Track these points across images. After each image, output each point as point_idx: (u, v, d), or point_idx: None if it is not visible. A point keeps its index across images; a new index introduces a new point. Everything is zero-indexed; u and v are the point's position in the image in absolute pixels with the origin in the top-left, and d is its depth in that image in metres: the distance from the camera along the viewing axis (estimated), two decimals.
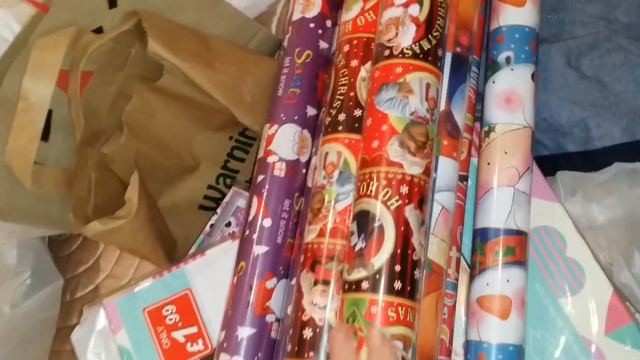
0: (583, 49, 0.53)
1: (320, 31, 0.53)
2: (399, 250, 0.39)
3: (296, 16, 0.53)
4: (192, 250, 0.58)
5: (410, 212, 0.40)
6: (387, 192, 0.41)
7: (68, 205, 0.52)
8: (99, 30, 0.51)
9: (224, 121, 0.58)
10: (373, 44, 0.48)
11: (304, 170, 0.50)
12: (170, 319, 0.51)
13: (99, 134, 0.53)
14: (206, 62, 0.52)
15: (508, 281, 0.45)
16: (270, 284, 0.47)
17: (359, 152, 0.44)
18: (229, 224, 0.60)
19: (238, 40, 0.58)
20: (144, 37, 0.50)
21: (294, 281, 0.46)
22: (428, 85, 0.43)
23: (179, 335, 0.51)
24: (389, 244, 0.40)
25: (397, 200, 0.41)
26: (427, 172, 0.42)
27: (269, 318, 0.46)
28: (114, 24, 0.51)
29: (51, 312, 0.67)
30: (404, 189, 0.41)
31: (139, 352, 0.51)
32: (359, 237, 0.41)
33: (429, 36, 0.44)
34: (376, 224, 0.40)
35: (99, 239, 0.51)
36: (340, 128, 0.47)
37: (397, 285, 0.39)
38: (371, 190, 0.41)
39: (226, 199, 0.59)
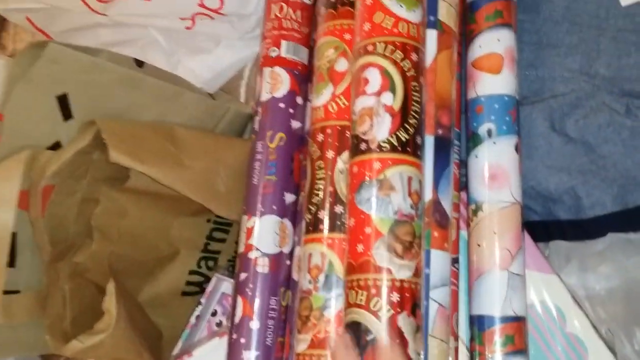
0: (566, 108, 0.50)
1: (291, 110, 0.50)
2: None
3: (264, 97, 0.50)
4: (177, 349, 0.54)
5: (403, 321, 0.37)
6: (377, 301, 0.38)
7: (42, 327, 0.48)
8: (56, 145, 0.48)
9: (200, 207, 0.53)
10: (347, 132, 0.44)
11: (287, 262, 0.48)
12: None
13: (69, 246, 0.50)
14: (174, 160, 0.49)
15: None
16: None
17: (345, 253, 0.41)
18: (214, 313, 0.56)
19: (207, 124, 0.55)
20: (105, 146, 0.46)
21: None
22: (410, 179, 0.40)
23: None
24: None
25: (388, 310, 0.37)
26: (417, 273, 0.39)
27: None
28: (71, 135, 0.48)
29: None
30: (395, 297, 0.38)
31: None
32: (354, 349, 0.38)
33: (406, 125, 0.40)
34: (369, 337, 0.37)
35: (80, 357, 0.48)
36: (321, 227, 0.44)
37: None
38: (361, 300, 0.38)
39: (209, 288, 0.56)
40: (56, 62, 0.44)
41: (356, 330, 0.38)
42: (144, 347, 0.51)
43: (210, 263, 0.60)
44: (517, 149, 0.46)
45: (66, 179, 0.47)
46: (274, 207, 0.47)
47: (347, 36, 0.47)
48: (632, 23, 0.50)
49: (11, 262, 0.45)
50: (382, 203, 0.39)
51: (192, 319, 0.55)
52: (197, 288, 0.59)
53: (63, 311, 0.49)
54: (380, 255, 0.38)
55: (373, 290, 0.38)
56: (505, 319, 0.43)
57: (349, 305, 0.39)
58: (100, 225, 0.52)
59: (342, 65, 0.47)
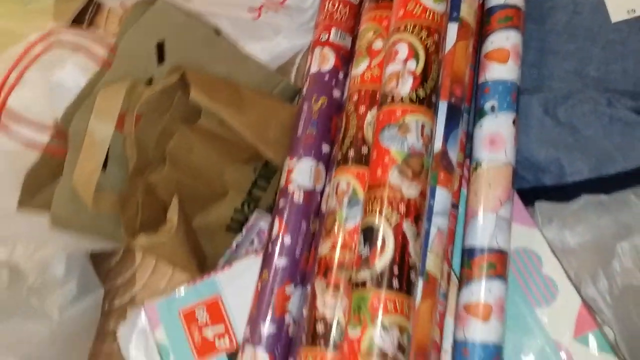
0: (559, 99, 0.58)
1: (333, 82, 0.60)
2: (397, 257, 0.45)
3: (313, 70, 0.60)
4: (220, 263, 0.63)
5: (407, 226, 0.47)
6: (389, 210, 0.47)
7: (119, 223, 0.58)
8: (149, 82, 0.57)
9: (250, 155, 0.63)
10: (377, 93, 0.54)
11: (318, 198, 0.56)
12: (202, 320, 0.57)
13: (147, 165, 0.59)
14: (237, 107, 0.58)
15: (490, 291, 0.50)
16: (288, 290, 0.52)
17: (365, 180, 0.51)
18: (252, 243, 0.65)
19: (263, 89, 0.64)
20: (187, 87, 0.56)
21: (309, 288, 0.52)
22: (423, 126, 0.49)
23: (208, 333, 0.56)
24: (389, 251, 0.46)
25: (396, 217, 0.47)
26: (422, 195, 0.48)
27: (287, 319, 0.52)
28: (162, 76, 0.57)
29: (93, 317, 0.72)
30: (402, 208, 0.47)
31: (174, 347, 0.56)
32: (364, 246, 0.47)
33: (424, 85, 0.50)
34: (379, 236, 0.46)
35: (144, 251, 0.57)
36: (349, 162, 0.53)
37: (395, 284, 0.45)
38: (375, 209, 0.47)
39: (250, 222, 0.64)
40: (160, 15, 0.54)
41: (369, 232, 0.47)
42: (193, 259, 0.60)
43: (252, 206, 0.67)
44: (514, 122, 0.54)
45: (152, 111, 0.56)
46: (312, 152, 0.57)
47: (384, 23, 0.57)
48: (619, 36, 0.59)
49: (104, 167, 0.54)
50: (400, 141, 0.49)
51: (233, 245, 0.64)
52: (239, 226, 0.67)
53: (136, 216, 0.58)
54: (394, 177, 0.48)
55: (386, 202, 0.47)
56: (491, 250, 0.51)
57: (365, 214, 0.48)
58: (172, 155, 0.60)
59: (378, 44, 0.57)
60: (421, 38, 0.52)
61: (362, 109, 0.55)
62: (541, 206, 0.58)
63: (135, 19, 0.56)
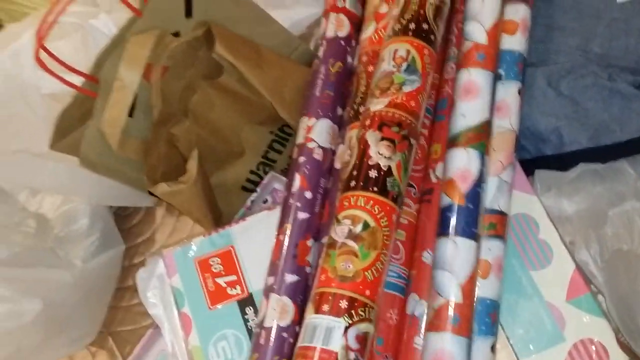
0: (562, 72, 0.60)
1: (348, 48, 0.62)
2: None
3: (330, 34, 0.62)
4: (235, 218, 0.66)
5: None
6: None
7: (142, 170, 0.60)
8: (176, 34, 0.59)
9: (267, 117, 0.65)
10: None
11: (333, 156, 0.59)
12: (216, 268, 0.59)
13: (170, 117, 0.61)
14: (257, 65, 0.60)
15: (489, 249, 0.52)
16: (309, 242, 0.55)
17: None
18: (265, 201, 0.67)
19: (282, 51, 0.66)
20: (211, 42, 0.58)
21: (323, 240, 0.53)
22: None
23: (221, 281, 0.59)
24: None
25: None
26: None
27: (307, 269, 0.55)
28: (189, 30, 0.59)
29: (113, 271, 0.75)
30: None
31: (189, 293, 0.59)
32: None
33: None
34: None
35: (164, 198, 0.59)
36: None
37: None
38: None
39: (265, 181, 0.67)
40: None
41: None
42: (210, 212, 0.63)
43: (267, 169, 0.70)
44: (519, 92, 0.57)
45: (178, 64, 0.59)
46: (329, 114, 0.59)
47: None
48: (624, 15, 0.61)
49: (130, 113, 0.56)
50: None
51: (247, 202, 0.66)
52: (253, 186, 0.69)
53: (157, 164, 0.61)
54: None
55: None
56: (492, 211, 0.53)
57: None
58: (194, 110, 0.63)
59: (383, 8, 0.60)
60: None
61: (370, 68, 0.57)
62: (540, 175, 0.60)
63: None
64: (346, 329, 0.45)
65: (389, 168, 0.49)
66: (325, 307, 0.46)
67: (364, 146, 0.49)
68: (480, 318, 0.50)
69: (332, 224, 0.49)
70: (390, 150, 0.49)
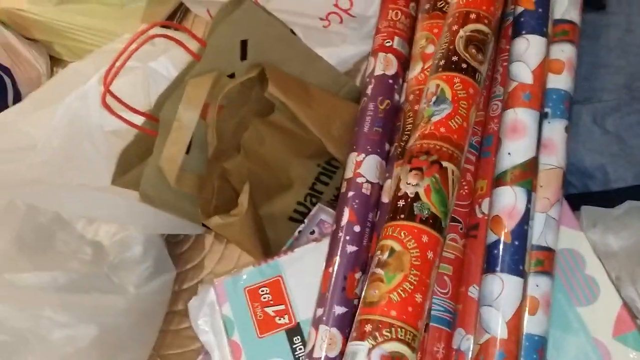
0: (607, 110, 0.61)
1: (396, 87, 0.64)
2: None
3: (378, 72, 0.64)
4: (283, 249, 0.67)
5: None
6: None
7: (196, 204, 0.62)
8: (232, 76, 0.62)
9: (315, 151, 0.67)
10: None
11: (380, 191, 0.60)
12: (264, 298, 0.60)
13: (223, 152, 0.64)
14: (307, 103, 0.62)
15: (537, 286, 0.52)
16: (357, 275, 0.56)
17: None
18: (312, 232, 0.68)
19: (330, 89, 0.68)
20: (264, 82, 0.61)
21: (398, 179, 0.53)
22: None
23: (270, 310, 0.60)
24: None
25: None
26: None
27: (355, 302, 0.56)
28: (243, 72, 0.62)
29: (164, 297, 0.77)
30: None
31: (239, 321, 0.60)
32: None
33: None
34: None
35: (217, 230, 0.61)
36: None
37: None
38: None
39: (312, 212, 0.68)
40: (247, 14, 0.59)
41: None
42: (259, 242, 0.65)
43: (314, 200, 0.71)
44: (566, 129, 0.57)
45: (232, 103, 0.61)
46: (378, 150, 0.61)
47: (435, 30, 0.62)
48: None
49: (187, 150, 0.59)
50: None
51: (295, 233, 0.68)
52: (301, 217, 0.70)
53: (211, 198, 0.63)
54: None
55: None
56: (539, 248, 0.53)
57: None
58: (246, 145, 0.65)
59: (430, 49, 0.62)
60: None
61: (417, 106, 0.59)
62: (587, 210, 0.60)
63: (224, 17, 0.61)
64: (369, 350, 0.45)
65: (416, 194, 0.49)
66: (354, 334, 0.47)
67: (398, 182, 0.51)
68: (527, 354, 0.50)
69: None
70: (418, 178, 0.50)
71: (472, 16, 0.56)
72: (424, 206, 0.49)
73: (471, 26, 0.56)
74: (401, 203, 0.50)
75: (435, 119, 0.52)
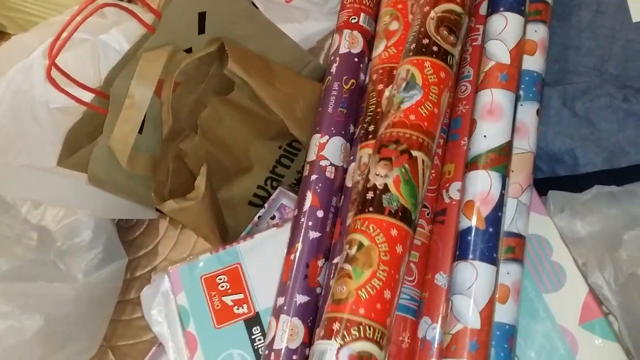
0: (577, 93, 0.60)
1: (361, 65, 0.62)
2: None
3: (343, 50, 0.62)
4: (242, 235, 0.65)
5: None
6: None
7: (149, 187, 0.60)
8: (189, 50, 0.59)
9: (277, 132, 0.65)
10: (394, 71, 0.57)
11: (344, 175, 0.58)
12: (222, 286, 0.58)
13: (179, 132, 0.61)
14: (269, 81, 0.60)
15: (508, 273, 0.51)
16: (320, 263, 0.54)
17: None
18: (273, 217, 0.67)
19: (294, 67, 0.66)
20: (223, 58, 0.58)
21: (335, 260, 0.53)
22: (398, 74, 0.53)
23: (228, 299, 0.58)
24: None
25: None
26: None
27: (318, 290, 0.54)
28: (201, 46, 0.59)
29: (115, 285, 0.74)
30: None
31: (195, 311, 0.58)
32: None
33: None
34: None
35: (172, 215, 0.58)
36: (370, 137, 0.55)
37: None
38: None
39: (273, 197, 0.66)
40: None
41: None
42: (217, 228, 0.62)
43: (275, 183, 0.69)
44: (537, 112, 0.56)
45: (189, 80, 0.58)
46: (342, 132, 0.59)
47: (399, 6, 0.60)
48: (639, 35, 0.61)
49: (140, 129, 0.56)
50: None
51: (255, 218, 0.66)
52: (261, 201, 0.69)
53: (165, 181, 0.60)
54: None
55: None
56: (510, 234, 0.52)
57: None
58: (203, 125, 0.62)
59: (394, 26, 0.60)
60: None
61: (380, 86, 0.57)
62: (554, 195, 0.59)
63: None
64: (338, 350, 0.44)
65: (385, 185, 0.48)
66: (321, 332, 0.45)
67: (366, 173, 0.49)
68: (498, 344, 0.49)
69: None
70: (387, 168, 0.49)
71: (396, 72, 0.55)
72: (393, 198, 0.48)
73: (443, 6, 0.54)
74: (370, 195, 0.48)
75: (405, 105, 0.51)
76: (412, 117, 0.50)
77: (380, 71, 0.58)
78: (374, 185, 0.48)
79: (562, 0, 0.63)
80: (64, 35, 0.49)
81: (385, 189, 0.48)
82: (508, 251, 0.52)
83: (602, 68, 0.61)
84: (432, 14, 0.54)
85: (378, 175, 0.49)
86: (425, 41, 0.53)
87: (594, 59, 0.62)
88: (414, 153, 0.49)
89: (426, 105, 0.51)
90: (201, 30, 0.58)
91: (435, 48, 0.53)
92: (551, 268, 0.56)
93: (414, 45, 0.54)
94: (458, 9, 0.55)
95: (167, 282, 0.60)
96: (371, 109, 0.57)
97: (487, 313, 0.48)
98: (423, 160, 0.49)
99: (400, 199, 0.48)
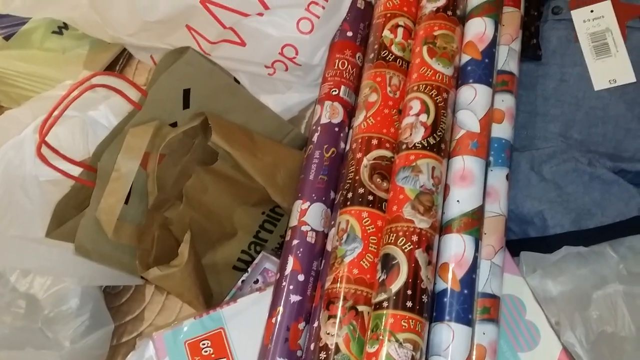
0: (544, 157, 0.62)
1: (342, 135, 0.64)
2: (410, 279, 0.50)
3: (324, 120, 0.64)
4: (226, 299, 0.66)
5: (419, 254, 0.51)
6: (403, 240, 0.52)
7: (134, 255, 0.61)
8: (174, 124, 0.61)
9: (259, 199, 0.66)
10: (373, 140, 0.60)
11: (325, 240, 0.60)
12: (206, 351, 0.59)
13: (164, 201, 0.62)
14: (251, 151, 0.62)
15: (484, 334, 0.53)
16: (301, 326, 0.56)
17: (363, 218, 0.56)
18: (256, 281, 0.68)
19: (275, 137, 0.68)
20: (207, 131, 0.60)
21: (315, 324, 0.55)
22: (433, 168, 0.55)
23: None
24: (403, 275, 0.50)
25: (409, 246, 0.52)
26: (432, 228, 0.53)
27: (299, 353, 0.55)
28: (185, 120, 0.61)
29: (102, 351, 0.74)
30: (415, 238, 0.52)
31: None
32: (382, 272, 0.51)
33: (434, 134, 0.56)
34: (394, 262, 0.51)
35: (156, 282, 0.60)
36: (348, 203, 0.57)
37: (409, 303, 0.49)
38: (392, 239, 0.52)
39: (256, 261, 0.67)
40: (189, 64, 0.59)
41: (386, 259, 0.51)
42: (201, 293, 0.63)
43: (258, 248, 0.70)
44: (507, 177, 0.59)
45: (174, 152, 0.60)
46: (323, 198, 0.61)
47: (378, 79, 0.63)
48: (601, 103, 0.63)
49: (126, 200, 0.58)
50: (413, 180, 0.54)
51: (239, 283, 0.67)
52: (245, 265, 0.70)
53: (150, 249, 0.61)
54: (408, 212, 0.53)
55: (400, 233, 0.52)
56: (485, 295, 0.54)
57: (384, 244, 0.53)
58: (188, 194, 0.64)
59: (373, 97, 0.62)
60: (431, 95, 0.58)
61: (358, 155, 0.59)
62: (526, 256, 0.61)
63: (166, 67, 0.61)
64: None
65: (336, 345, 0.51)
66: None
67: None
68: None
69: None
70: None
71: (374, 142, 0.59)
72: (344, 357, 0.51)
73: (374, 153, 0.59)
74: (323, 355, 0.51)
75: (347, 259, 0.54)
76: (355, 271, 0.54)
77: (360, 140, 0.61)
78: (326, 345, 0.51)
79: (528, 71, 0.67)
80: (55, 113, 0.52)
81: (337, 348, 0.51)
82: (483, 312, 0.54)
83: (567, 134, 0.64)
84: (365, 161, 0.58)
85: (329, 334, 0.52)
86: (361, 190, 0.57)
87: (559, 125, 0.65)
88: (360, 308, 0.52)
89: (367, 257, 0.54)
90: (186, 105, 0.61)
91: (370, 197, 0.57)
92: (525, 327, 0.57)
93: (350, 195, 0.57)
94: (388, 154, 0.59)
95: (151, 348, 0.61)
96: (350, 177, 0.59)
97: None
98: (369, 312, 0.52)
99: (351, 357, 0.51)
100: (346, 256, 0.54)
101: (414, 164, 0.55)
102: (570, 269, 0.59)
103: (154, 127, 0.58)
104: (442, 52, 0.60)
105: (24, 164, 0.58)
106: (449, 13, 0.63)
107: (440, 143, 0.56)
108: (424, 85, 0.59)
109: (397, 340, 0.48)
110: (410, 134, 0.57)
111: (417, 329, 0.49)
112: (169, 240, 0.64)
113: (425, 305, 0.50)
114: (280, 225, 0.72)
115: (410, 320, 0.49)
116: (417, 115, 0.57)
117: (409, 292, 0.50)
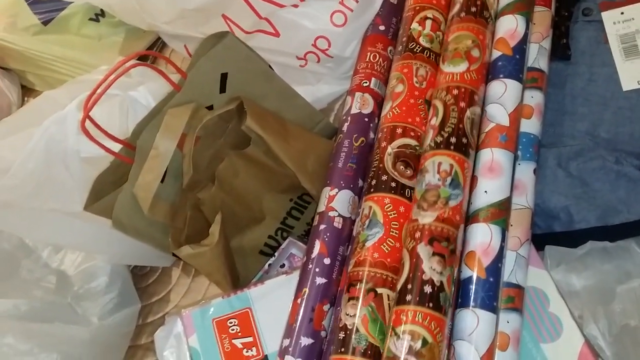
0: (571, 155, 0.62)
1: (371, 125, 0.65)
2: (410, 275, 0.51)
3: (355, 110, 0.65)
4: (253, 281, 0.66)
5: (421, 248, 0.51)
6: (408, 239, 0.53)
7: (167, 233, 0.62)
8: (210, 108, 0.62)
9: (288, 185, 0.67)
10: (398, 129, 0.61)
11: (352, 226, 0.60)
12: (233, 330, 0.60)
13: (198, 183, 0.63)
14: (283, 137, 0.62)
15: (508, 322, 0.53)
16: (325, 307, 0.56)
17: (385, 204, 0.57)
18: (282, 266, 0.68)
19: (306, 125, 0.68)
20: (242, 115, 0.61)
21: (339, 308, 0.55)
22: (439, 163, 0.55)
23: (238, 342, 0.60)
24: (404, 273, 0.51)
25: (412, 243, 0.52)
26: (439, 219, 0.53)
27: (323, 334, 0.55)
28: (222, 104, 0.62)
29: (128, 329, 0.75)
30: (417, 234, 0.52)
31: (205, 353, 0.59)
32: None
33: (442, 132, 0.56)
34: (402, 263, 0.52)
35: (187, 260, 0.60)
36: (372, 190, 0.58)
37: (408, 297, 0.50)
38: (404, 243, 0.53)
39: (282, 246, 0.68)
40: (228, 49, 0.59)
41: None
42: (229, 274, 0.63)
43: (285, 234, 0.71)
44: (534, 172, 0.59)
45: (209, 135, 0.61)
46: (351, 185, 0.61)
47: (405, 70, 0.63)
48: (629, 103, 0.63)
49: (162, 179, 0.58)
50: (420, 182, 0.55)
51: (265, 266, 0.67)
52: (271, 250, 0.70)
53: (183, 227, 0.62)
54: (414, 212, 0.54)
55: (407, 234, 0.54)
56: (510, 285, 0.54)
57: None
58: (220, 177, 0.64)
59: (399, 88, 0.63)
60: (441, 97, 0.58)
61: (383, 143, 0.60)
62: (551, 250, 0.61)
63: (206, 50, 0.61)
64: None
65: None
66: None
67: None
68: None
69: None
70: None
71: (399, 131, 0.60)
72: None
73: (398, 141, 0.59)
74: (428, 289, 0.50)
75: (369, 244, 0.55)
76: (376, 255, 0.54)
77: (385, 129, 0.61)
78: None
79: (557, 70, 0.67)
80: (99, 90, 0.53)
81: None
82: (508, 301, 0.54)
83: (595, 132, 0.64)
84: (389, 149, 0.59)
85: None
86: (384, 177, 0.58)
87: (587, 123, 0.65)
88: (379, 290, 0.53)
89: (388, 242, 0.55)
90: (222, 89, 0.61)
91: (393, 184, 0.57)
92: (548, 319, 0.57)
93: (374, 182, 0.58)
94: (413, 142, 0.60)
95: (179, 325, 0.62)
96: (374, 165, 0.60)
97: (487, 359, 0.49)
98: (388, 295, 0.53)
99: (368, 337, 0.51)
100: (368, 240, 0.55)
101: (422, 167, 0.56)
102: (595, 264, 0.59)
103: (192, 109, 0.58)
104: (453, 54, 0.60)
105: (67, 139, 0.58)
106: (463, 15, 0.63)
107: (449, 137, 0.56)
108: (436, 92, 0.60)
109: (395, 334, 0.49)
110: (426, 142, 0.58)
111: (416, 319, 0.49)
112: (201, 220, 0.64)
113: (427, 295, 0.50)
114: (307, 212, 0.72)
115: (409, 312, 0.49)
116: (429, 121, 0.58)
117: (409, 286, 0.50)
